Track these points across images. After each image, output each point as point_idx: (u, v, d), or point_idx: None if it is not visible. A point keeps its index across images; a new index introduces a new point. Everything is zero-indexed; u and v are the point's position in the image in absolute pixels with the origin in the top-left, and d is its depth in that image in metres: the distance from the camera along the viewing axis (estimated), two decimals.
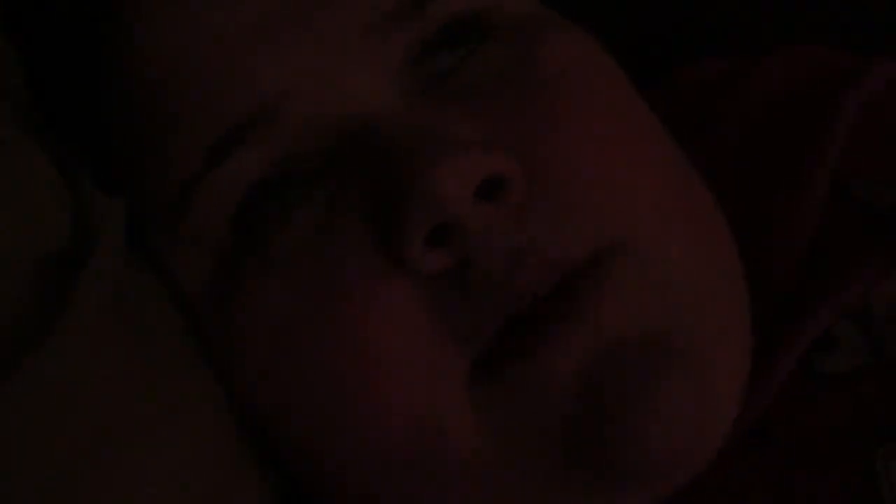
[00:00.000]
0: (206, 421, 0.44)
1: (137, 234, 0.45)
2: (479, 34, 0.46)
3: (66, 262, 0.41)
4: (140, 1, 0.45)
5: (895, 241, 0.48)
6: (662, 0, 0.67)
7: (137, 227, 0.45)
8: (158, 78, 0.45)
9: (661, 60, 0.61)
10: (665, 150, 0.47)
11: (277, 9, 0.44)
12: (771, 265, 0.49)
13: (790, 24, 0.62)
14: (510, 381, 0.42)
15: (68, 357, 0.40)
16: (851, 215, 0.50)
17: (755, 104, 0.56)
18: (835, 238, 0.50)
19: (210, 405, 0.45)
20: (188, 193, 0.44)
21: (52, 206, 0.42)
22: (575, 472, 0.42)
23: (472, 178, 0.41)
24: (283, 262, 0.44)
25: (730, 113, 0.57)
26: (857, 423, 0.45)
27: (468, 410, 0.42)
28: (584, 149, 0.44)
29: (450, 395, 0.42)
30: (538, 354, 0.41)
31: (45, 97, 0.47)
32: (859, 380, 0.46)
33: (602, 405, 0.41)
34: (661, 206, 0.44)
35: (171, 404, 0.43)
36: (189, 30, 0.44)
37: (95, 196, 0.43)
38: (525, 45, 0.46)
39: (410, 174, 0.41)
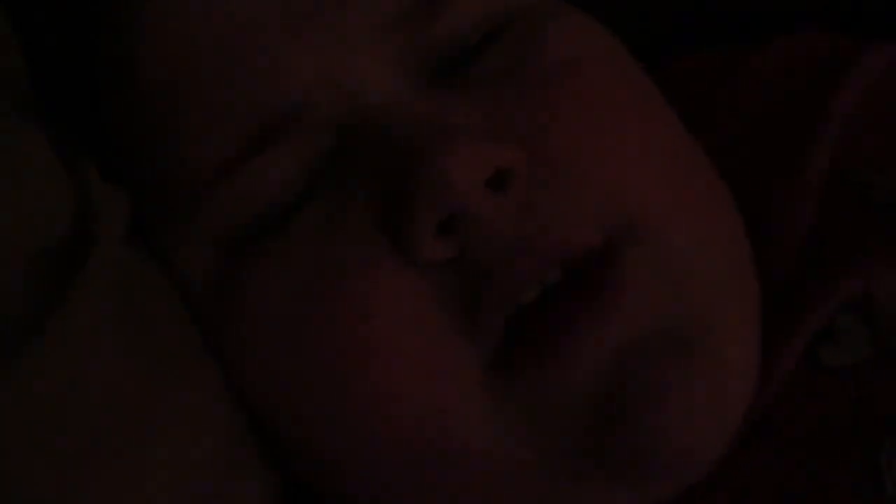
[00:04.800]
0: (208, 415, 0.44)
1: (139, 223, 0.45)
2: (490, 28, 0.46)
3: (67, 251, 0.41)
4: None
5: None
6: None
7: (140, 216, 0.45)
8: (171, 75, 0.44)
9: (661, 48, 0.61)
10: (675, 135, 0.47)
11: (294, 6, 0.44)
12: (770, 254, 0.49)
13: (789, 13, 0.62)
14: (530, 377, 0.42)
15: (69, 348, 0.40)
16: (853, 203, 0.50)
17: (755, 91, 0.56)
18: (836, 227, 0.50)
19: (213, 399, 0.44)
20: (205, 191, 0.44)
21: (54, 195, 0.42)
22: (594, 468, 0.42)
23: (480, 169, 0.41)
24: (291, 253, 0.44)
25: (729, 100, 0.57)
26: (860, 416, 0.45)
27: (478, 404, 0.42)
28: (591, 136, 0.44)
29: (458, 388, 0.42)
30: (560, 351, 0.41)
31: (48, 84, 0.47)
32: (863, 372, 0.46)
33: (624, 400, 0.41)
34: (671, 191, 0.44)
35: (172, 397, 0.43)
36: (207, 23, 0.44)
37: (97, 184, 0.43)
38: (533, 34, 0.46)
39: (420, 164, 0.41)
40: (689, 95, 0.57)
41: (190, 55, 0.44)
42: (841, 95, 0.53)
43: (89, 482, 0.39)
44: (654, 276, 0.42)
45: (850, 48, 0.56)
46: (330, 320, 0.43)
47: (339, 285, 0.43)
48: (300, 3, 0.44)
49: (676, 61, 0.60)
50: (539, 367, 0.41)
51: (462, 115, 0.43)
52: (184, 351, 0.44)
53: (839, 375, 0.46)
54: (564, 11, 0.48)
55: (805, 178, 0.51)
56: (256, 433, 0.46)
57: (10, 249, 0.40)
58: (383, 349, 0.42)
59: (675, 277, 0.43)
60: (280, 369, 0.44)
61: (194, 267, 0.45)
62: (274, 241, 0.44)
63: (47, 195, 0.41)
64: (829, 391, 0.46)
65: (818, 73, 0.55)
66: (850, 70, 0.54)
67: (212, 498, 0.43)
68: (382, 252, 0.42)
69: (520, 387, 0.42)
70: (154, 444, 0.41)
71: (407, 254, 0.42)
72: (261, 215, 0.44)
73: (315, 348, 0.43)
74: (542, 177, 0.42)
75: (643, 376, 0.41)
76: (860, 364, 0.46)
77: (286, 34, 0.44)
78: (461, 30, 0.45)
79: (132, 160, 0.46)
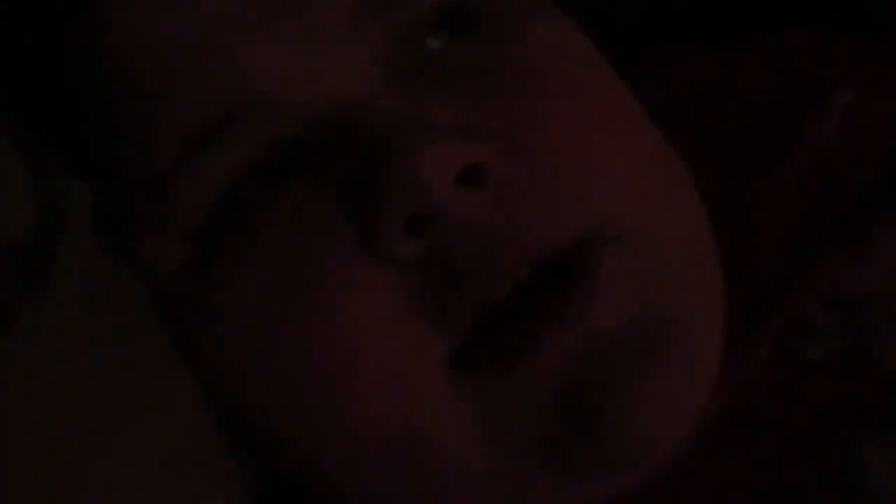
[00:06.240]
0: (181, 416, 0.43)
1: (105, 223, 0.44)
2: (463, 21, 0.45)
3: (33, 246, 0.40)
4: None
5: (870, 224, 0.48)
6: None
7: (105, 216, 0.44)
8: (139, 64, 0.44)
9: (636, 43, 0.61)
10: (646, 135, 0.47)
11: (260, 1, 0.44)
12: (751, 251, 0.49)
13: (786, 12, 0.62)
14: (497, 376, 0.41)
15: (40, 350, 0.39)
16: (831, 199, 0.50)
17: (747, 91, 0.56)
18: (813, 223, 0.50)
19: (186, 400, 0.44)
20: (167, 182, 0.43)
21: (18, 189, 0.41)
22: (562, 462, 0.42)
23: (451, 165, 0.40)
24: (260, 251, 0.43)
25: (723, 100, 0.57)
26: (836, 411, 0.45)
27: (444, 403, 0.42)
28: (564, 135, 0.43)
29: (423, 387, 0.42)
30: (524, 352, 0.41)
31: (9, 80, 0.47)
32: (839, 367, 0.46)
33: (591, 394, 0.41)
34: (643, 191, 0.44)
35: (145, 399, 0.42)
36: (172, 16, 0.44)
37: (60, 179, 0.42)
38: (507, 32, 0.46)
39: (389, 161, 0.41)
40: (685, 95, 0.57)
41: (154, 49, 0.44)
42: (830, 99, 0.53)
43: (62, 482, 0.39)
44: (627, 276, 0.42)
45: (845, 48, 0.56)
46: (296, 318, 0.42)
47: (305, 282, 0.42)
48: None
49: (670, 58, 0.60)
50: (503, 365, 0.41)
51: (433, 111, 0.43)
52: (156, 350, 0.44)
53: (815, 369, 0.46)
54: (542, 10, 0.48)
55: (784, 177, 0.51)
56: (232, 432, 0.45)
57: None
58: (349, 347, 0.42)
59: (648, 277, 0.42)
60: (250, 369, 0.44)
61: (160, 264, 0.45)
62: (239, 237, 0.43)
63: (10, 189, 0.41)
64: (804, 384, 0.46)
65: (816, 72, 0.55)
66: (845, 70, 0.54)
67: (184, 495, 0.42)
68: (350, 249, 0.42)
69: (484, 387, 0.41)
70: (127, 444, 0.41)
71: (375, 251, 0.41)
72: (219, 210, 0.43)
73: (285, 348, 0.42)
74: (517, 174, 0.42)
75: (609, 372, 0.41)
76: (836, 357, 0.46)
77: (252, 27, 0.43)
78: (432, 21, 0.45)
79: (96, 155, 0.46)
